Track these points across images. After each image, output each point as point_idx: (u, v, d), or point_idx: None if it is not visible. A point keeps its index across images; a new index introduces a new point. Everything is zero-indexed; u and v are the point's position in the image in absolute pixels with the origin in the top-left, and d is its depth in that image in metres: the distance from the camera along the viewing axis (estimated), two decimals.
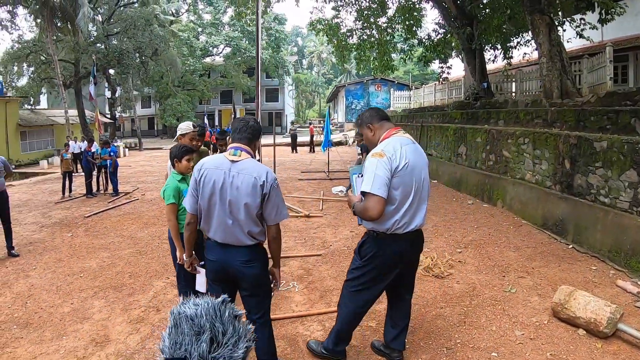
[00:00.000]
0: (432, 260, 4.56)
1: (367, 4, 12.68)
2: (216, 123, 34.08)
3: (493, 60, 11.98)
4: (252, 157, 2.30)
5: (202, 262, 2.55)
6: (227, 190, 2.17)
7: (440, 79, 13.54)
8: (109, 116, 29.02)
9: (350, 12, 12.92)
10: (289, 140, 20.25)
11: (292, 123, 24.57)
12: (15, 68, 22.84)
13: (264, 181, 2.17)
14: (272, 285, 2.43)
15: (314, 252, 5.07)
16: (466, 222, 6.29)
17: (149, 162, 18.53)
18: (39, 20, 17.57)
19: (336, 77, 53.51)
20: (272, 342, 2.48)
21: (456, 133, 9.21)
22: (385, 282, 2.47)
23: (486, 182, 7.55)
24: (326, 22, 12.56)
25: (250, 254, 2.26)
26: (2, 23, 17.69)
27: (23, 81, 23.83)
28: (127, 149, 24.05)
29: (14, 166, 20.27)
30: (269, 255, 2.41)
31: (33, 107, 25.16)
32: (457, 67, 14.90)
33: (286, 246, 5.40)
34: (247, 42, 35.09)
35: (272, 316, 3.51)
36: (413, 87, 24.11)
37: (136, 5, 25.55)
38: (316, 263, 4.72)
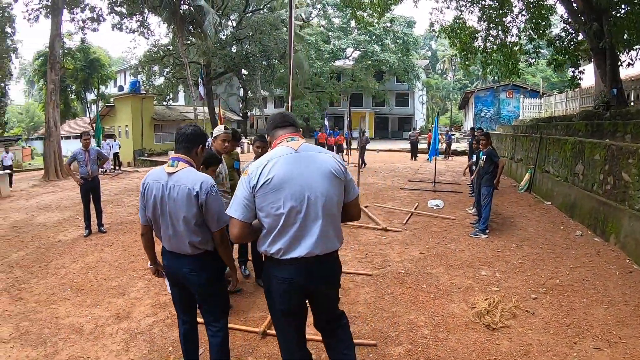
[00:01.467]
0: (490, 304, 3.69)
1: (489, 2, 11.42)
2: (345, 125, 35.07)
3: (630, 64, 9.49)
4: (193, 166, 2.32)
5: None
6: (166, 203, 2.24)
7: (572, 86, 11.41)
8: (240, 114, 32.20)
9: (473, 11, 11.86)
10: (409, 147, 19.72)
11: (413, 129, 23.75)
12: (155, 68, 26.58)
13: (197, 191, 2.18)
14: (229, 286, 2.50)
15: (366, 270, 4.64)
16: (563, 258, 5.06)
17: None
18: (172, 27, 20.21)
19: (472, 83, 49.78)
20: (223, 350, 2.39)
21: (574, 148, 7.62)
22: (291, 316, 2.03)
23: (601, 211, 6.03)
24: (448, 22, 11.77)
25: (195, 263, 2.29)
26: (139, 30, 20.78)
27: (161, 80, 27.68)
28: (251, 145, 26.40)
29: (146, 154, 24.25)
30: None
31: (169, 104, 29.29)
32: (592, 73, 12.32)
33: (342, 259, 5.12)
34: (375, 45, 34.97)
35: (273, 331, 3.33)
36: (545, 95, 20.99)
37: (265, 11, 27.73)
38: (361, 283, 4.30)
